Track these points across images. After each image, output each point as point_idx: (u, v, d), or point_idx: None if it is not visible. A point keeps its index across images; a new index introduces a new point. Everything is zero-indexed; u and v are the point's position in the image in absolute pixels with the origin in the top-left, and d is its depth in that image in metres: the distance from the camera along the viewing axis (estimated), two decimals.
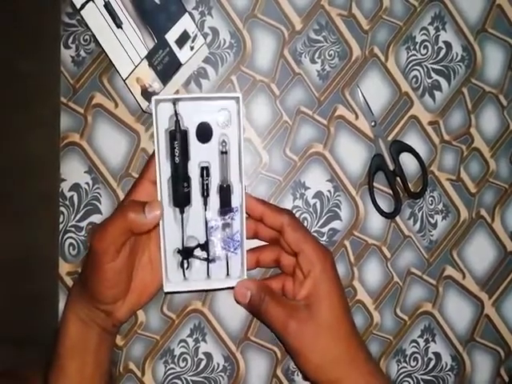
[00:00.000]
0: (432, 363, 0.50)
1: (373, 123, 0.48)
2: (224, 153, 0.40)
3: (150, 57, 0.43)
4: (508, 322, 0.50)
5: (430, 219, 0.49)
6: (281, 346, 0.48)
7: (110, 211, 0.47)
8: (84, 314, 0.41)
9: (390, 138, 0.48)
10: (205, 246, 0.42)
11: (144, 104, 0.44)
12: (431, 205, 0.49)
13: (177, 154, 0.39)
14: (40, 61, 0.46)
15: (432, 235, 0.49)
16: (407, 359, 0.49)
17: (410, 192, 0.48)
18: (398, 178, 0.48)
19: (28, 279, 0.44)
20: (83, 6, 0.43)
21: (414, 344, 0.49)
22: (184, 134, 0.40)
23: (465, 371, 0.50)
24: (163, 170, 0.39)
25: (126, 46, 0.43)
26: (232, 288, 0.41)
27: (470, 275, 0.50)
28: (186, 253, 0.41)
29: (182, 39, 0.44)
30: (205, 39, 0.45)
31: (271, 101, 0.48)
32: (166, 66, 0.44)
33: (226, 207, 0.41)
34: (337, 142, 0.48)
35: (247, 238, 0.42)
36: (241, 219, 0.41)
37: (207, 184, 0.40)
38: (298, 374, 0.48)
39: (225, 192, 0.41)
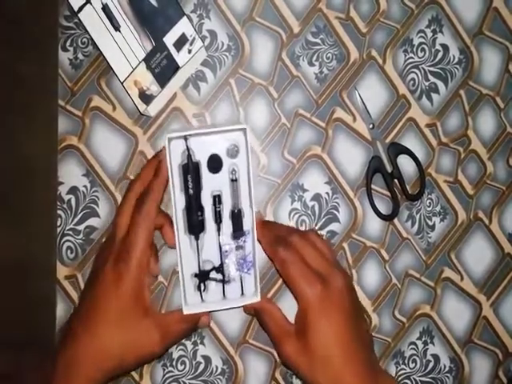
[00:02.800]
0: (430, 365, 0.50)
1: (371, 125, 0.48)
2: (234, 180, 0.43)
3: (147, 59, 0.43)
4: (506, 323, 0.50)
5: (428, 221, 0.49)
6: None
7: (108, 214, 0.47)
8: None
9: (387, 141, 0.49)
10: (220, 269, 0.44)
11: (142, 107, 0.44)
12: (429, 207, 0.49)
13: (190, 187, 0.42)
14: (38, 63, 0.46)
15: (430, 237, 0.49)
16: (406, 361, 0.49)
17: (407, 194, 0.48)
18: (396, 180, 0.48)
19: (25, 283, 0.43)
20: (81, 8, 0.43)
21: (413, 346, 0.49)
22: (196, 167, 0.43)
23: (463, 373, 0.50)
24: (178, 201, 0.43)
25: (124, 49, 0.43)
26: None
27: (467, 277, 0.50)
28: (202, 276, 0.44)
29: (180, 42, 0.44)
30: (203, 42, 0.44)
31: (269, 103, 0.48)
32: (163, 68, 0.44)
33: (238, 231, 0.44)
34: (335, 145, 0.48)
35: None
36: (252, 241, 0.43)
37: (219, 211, 0.43)
38: (296, 377, 0.48)
39: (236, 217, 0.43)
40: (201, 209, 0.43)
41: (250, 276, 0.44)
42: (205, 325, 0.45)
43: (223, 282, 0.44)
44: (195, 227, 0.43)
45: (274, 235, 0.43)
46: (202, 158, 0.43)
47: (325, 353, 0.39)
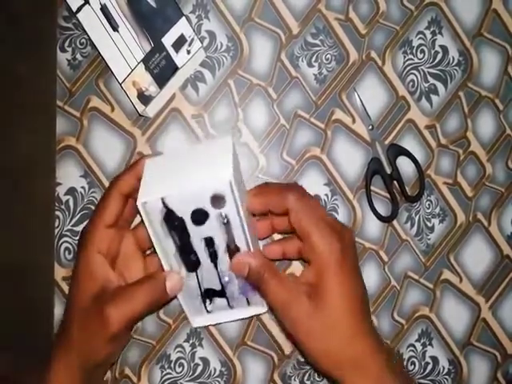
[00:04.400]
0: (429, 367, 0.50)
1: (370, 127, 0.48)
2: (226, 224, 0.38)
3: (146, 60, 0.43)
4: (505, 325, 0.50)
5: (427, 223, 0.49)
6: (278, 350, 0.48)
7: None
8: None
9: (387, 142, 0.48)
10: (223, 294, 0.42)
11: (140, 108, 0.44)
12: (428, 208, 0.49)
13: (176, 240, 0.39)
14: (36, 64, 0.46)
15: (429, 239, 0.49)
16: (405, 363, 0.49)
17: (407, 196, 0.48)
18: (395, 182, 0.48)
19: (23, 284, 0.43)
20: (79, 9, 0.43)
21: (412, 348, 0.49)
22: (181, 222, 0.38)
23: (462, 375, 0.50)
24: (168, 249, 0.39)
25: (123, 50, 0.43)
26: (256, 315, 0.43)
27: (466, 279, 0.50)
28: (206, 294, 0.42)
29: (179, 43, 0.43)
30: (202, 43, 0.44)
31: (268, 104, 0.48)
32: (162, 69, 0.43)
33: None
34: (334, 146, 0.48)
35: (263, 238, 0.43)
36: None
37: (214, 251, 0.40)
38: (295, 379, 0.48)
39: (233, 252, 0.40)
40: (192, 251, 0.40)
41: (255, 295, 0.42)
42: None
43: (228, 303, 0.43)
44: (191, 266, 0.41)
45: (274, 190, 0.40)
46: (184, 214, 0.38)
47: (339, 315, 0.36)
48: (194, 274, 0.41)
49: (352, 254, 0.38)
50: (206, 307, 0.43)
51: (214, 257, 0.40)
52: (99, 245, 0.39)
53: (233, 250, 0.40)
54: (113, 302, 0.37)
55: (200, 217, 0.38)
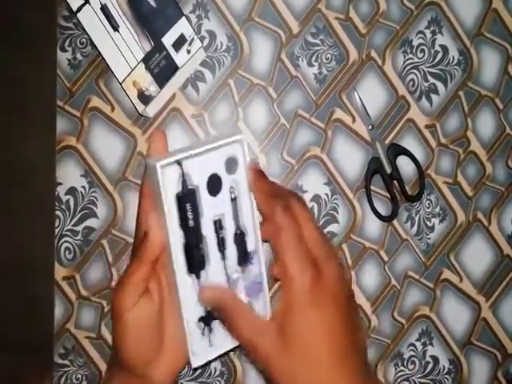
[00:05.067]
0: (430, 366, 0.50)
1: (370, 126, 0.48)
2: (234, 199, 0.38)
3: (146, 60, 0.43)
4: (505, 324, 0.50)
5: (427, 222, 0.49)
6: None
7: (107, 215, 0.47)
8: None
9: (387, 142, 0.48)
10: None
11: (140, 107, 0.44)
12: (428, 208, 0.49)
13: (191, 217, 0.36)
14: (36, 64, 0.46)
15: (429, 238, 0.49)
16: (405, 363, 0.49)
17: (407, 195, 0.48)
18: (395, 182, 0.48)
19: (23, 283, 0.43)
20: (80, 8, 0.43)
21: (412, 347, 0.49)
22: (193, 194, 0.36)
23: (462, 374, 0.50)
24: (177, 238, 0.36)
25: (123, 49, 0.43)
26: None
27: (467, 278, 0.50)
28: (208, 318, 0.38)
29: (179, 42, 0.43)
30: (202, 43, 0.44)
31: (268, 104, 0.48)
32: (162, 69, 0.43)
33: (243, 254, 0.39)
34: (334, 146, 0.48)
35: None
36: (259, 261, 0.39)
37: (222, 237, 0.38)
38: None
39: (240, 239, 0.38)
40: (201, 240, 0.37)
41: (259, 298, 0.39)
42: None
43: None
44: (196, 264, 0.37)
45: (270, 191, 0.37)
46: (200, 181, 0.37)
47: (311, 353, 0.32)
48: (196, 282, 0.37)
49: (332, 288, 0.34)
50: (209, 338, 0.38)
51: (222, 245, 0.38)
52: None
53: (239, 237, 0.38)
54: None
55: (215, 185, 0.37)
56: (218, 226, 0.38)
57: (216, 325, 0.38)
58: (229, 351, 0.39)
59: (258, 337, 0.34)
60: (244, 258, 0.39)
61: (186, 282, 0.37)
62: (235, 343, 0.39)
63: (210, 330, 0.38)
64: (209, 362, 0.38)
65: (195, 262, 0.37)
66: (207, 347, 0.38)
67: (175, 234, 0.36)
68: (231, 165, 0.38)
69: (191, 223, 0.36)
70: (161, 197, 0.35)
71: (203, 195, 0.37)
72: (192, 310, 0.37)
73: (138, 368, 0.38)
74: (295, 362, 0.33)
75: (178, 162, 0.36)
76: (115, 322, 0.38)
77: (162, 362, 0.39)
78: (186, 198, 0.36)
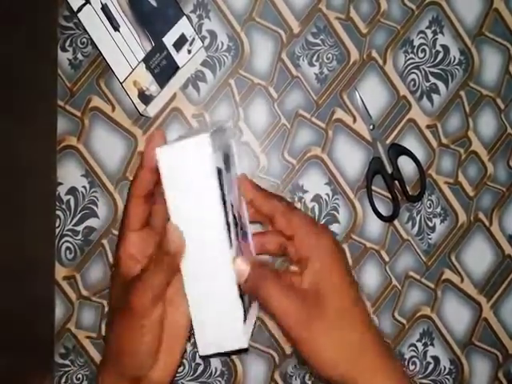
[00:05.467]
0: (431, 367, 0.50)
1: (371, 126, 0.48)
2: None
3: (147, 60, 0.43)
4: (506, 325, 0.50)
5: (429, 222, 0.49)
6: (279, 350, 0.48)
7: (107, 215, 0.47)
8: None
9: (388, 142, 0.48)
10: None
11: (141, 107, 0.44)
12: (429, 208, 0.49)
13: (226, 193, 0.35)
14: (37, 64, 0.46)
15: (430, 239, 0.49)
16: (406, 363, 0.49)
17: (408, 195, 0.48)
18: (397, 182, 0.48)
19: (24, 283, 0.43)
20: (80, 8, 0.43)
21: (413, 348, 0.49)
22: (221, 171, 0.35)
23: (463, 375, 0.50)
24: (222, 215, 0.34)
25: (124, 49, 0.43)
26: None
27: (468, 279, 0.50)
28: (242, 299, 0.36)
29: (180, 42, 0.43)
30: (202, 42, 0.44)
31: (269, 104, 0.48)
32: (163, 69, 0.43)
33: (243, 233, 0.39)
34: (335, 146, 0.48)
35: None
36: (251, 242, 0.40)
37: (234, 215, 0.37)
38: (296, 378, 0.48)
39: (238, 219, 0.38)
40: (228, 219, 0.36)
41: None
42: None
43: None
44: (231, 241, 0.35)
45: (265, 191, 0.39)
46: (220, 157, 0.36)
47: (347, 310, 0.35)
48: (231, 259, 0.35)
49: (342, 251, 0.37)
50: (244, 312, 0.36)
51: (237, 223, 0.37)
52: (130, 250, 0.37)
53: (237, 218, 0.38)
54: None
55: (228, 160, 0.38)
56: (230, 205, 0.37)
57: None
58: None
59: (292, 308, 0.34)
60: (244, 236, 0.39)
61: (231, 259, 0.35)
62: (253, 321, 0.38)
63: (245, 311, 0.36)
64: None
65: (231, 239, 0.35)
66: (244, 326, 0.36)
67: (220, 211, 0.34)
68: (230, 151, 0.39)
69: (226, 199, 0.35)
70: (206, 175, 0.33)
71: (223, 172, 0.36)
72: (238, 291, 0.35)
73: (140, 371, 0.37)
74: (331, 321, 0.35)
75: (211, 139, 0.33)
76: (130, 326, 0.35)
77: (162, 361, 0.38)
78: (219, 174, 0.35)
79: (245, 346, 0.36)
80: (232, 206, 0.37)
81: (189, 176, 0.34)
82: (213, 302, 0.36)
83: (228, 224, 0.35)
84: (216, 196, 0.34)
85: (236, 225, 0.37)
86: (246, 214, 0.40)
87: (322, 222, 0.48)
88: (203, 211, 0.34)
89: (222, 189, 0.34)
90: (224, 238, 0.34)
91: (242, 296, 0.36)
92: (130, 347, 0.36)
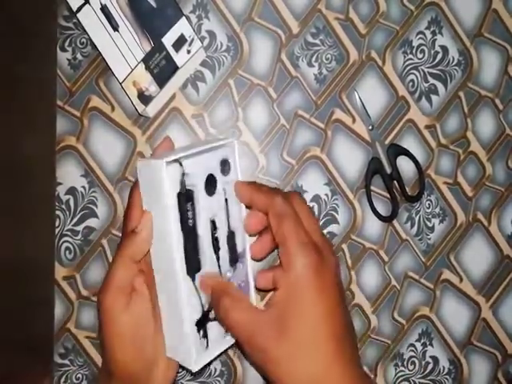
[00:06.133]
0: (430, 367, 0.50)
1: (370, 127, 0.48)
2: (226, 200, 0.39)
3: (146, 60, 0.43)
4: (505, 325, 0.50)
5: (427, 223, 0.49)
6: None
7: (107, 215, 0.47)
8: None
9: (387, 142, 0.48)
10: None
11: (140, 107, 0.44)
12: (428, 208, 0.49)
13: (190, 217, 0.37)
14: (36, 63, 0.46)
15: (429, 239, 0.49)
16: (405, 363, 0.49)
17: (407, 195, 0.48)
18: (395, 182, 0.48)
19: (23, 283, 0.43)
20: (80, 8, 0.43)
21: (412, 348, 0.49)
22: (192, 194, 0.37)
23: (462, 375, 0.50)
24: (178, 239, 0.36)
25: (123, 49, 0.43)
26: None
27: (467, 279, 0.50)
28: (204, 320, 0.38)
29: (179, 43, 0.43)
30: (202, 43, 0.44)
31: (268, 104, 0.48)
32: (162, 69, 0.43)
33: (234, 254, 0.39)
34: (334, 146, 0.48)
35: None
36: (246, 260, 0.40)
37: (217, 238, 0.38)
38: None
39: (231, 239, 0.39)
40: (197, 242, 0.37)
41: (248, 295, 0.40)
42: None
43: None
44: (194, 265, 0.37)
45: (266, 188, 0.38)
46: (198, 180, 0.37)
47: (310, 337, 0.32)
48: (193, 284, 0.37)
49: (333, 273, 0.34)
50: (207, 342, 0.38)
51: (217, 246, 0.38)
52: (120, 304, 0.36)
53: (231, 237, 0.39)
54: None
55: (211, 185, 0.38)
56: (213, 226, 0.38)
57: (212, 326, 0.38)
58: (225, 350, 0.39)
59: (254, 326, 0.33)
60: (235, 258, 0.39)
61: (186, 285, 0.36)
62: (231, 342, 0.39)
63: (206, 334, 0.38)
64: (207, 365, 0.38)
65: (193, 264, 0.37)
66: (204, 350, 0.38)
67: (176, 235, 0.36)
68: (225, 167, 0.39)
69: (190, 223, 0.37)
70: (163, 196, 0.35)
71: (201, 195, 0.37)
72: (191, 314, 0.37)
73: (138, 377, 0.36)
74: (293, 349, 0.32)
75: (179, 162, 0.36)
76: (105, 328, 0.35)
77: (161, 364, 0.37)
78: (187, 197, 0.36)
79: (193, 369, 0.36)
80: (213, 224, 0.38)
81: (153, 193, 0.36)
82: (171, 317, 0.37)
83: (194, 248, 0.37)
84: (170, 218, 0.35)
85: (215, 245, 0.38)
86: (246, 237, 0.40)
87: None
88: (162, 229, 0.36)
89: (184, 211, 0.36)
90: (177, 261, 0.36)
91: (203, 321, 0.37)
92: (113, 352, 0.35)
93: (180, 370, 0.47)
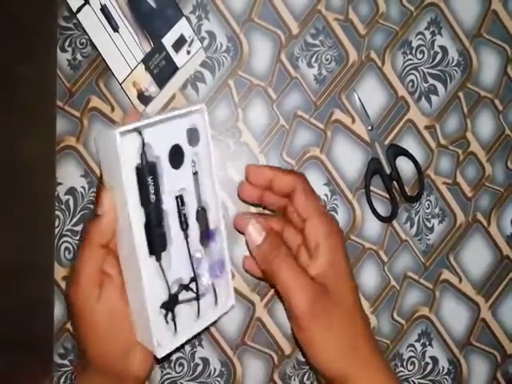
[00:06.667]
0: (429, 367, 0.50)
1: (369, 127, 0.48)
2: (195, 173, 0.36)
3: (146, 60, 0.43)
4: (504, 325, 0.50)
5: (427, 223, 0.49)
6: (278, 350, 0.48)
7: None
8: None
9: (386, 142, 0.49)
10: (189, 285, 0.36)
11: (140, 108, 0.44)
12: (428, 209, 0.49)
13: (152, 192, 0.33)
14: (36, 64, 0.46)
15: (429, 239, 0.49)
16: (404, 363, 0.49)
17: (406, 196, 0.48)
18: (395, 182, 0.48)
19: (23, 283, 0.43)
20: (80, 9, 0.43)
21: (411, 348, 0.49)
22: (154, 167, 0.34)
23: (461, 375, 0.50)
24: (138, 216, 0.33)
25: (123, 50, 0.43)
26: (225, 314, 0.39)
27: (466, 279, 0.50)
28: (171, 303, 0.35)
29: (179, 43, 0.44)
30: (201, 43, 0.44)
31: (268, 105, 0.48)
32: (162, 69, 0.44)
33: (206, 232, 0.37)
34: (333, 146, 0.48)
35: (251, 204, 0.40)
36: (220, 237, 0.38)
37: (184, 214, 0.35)
38: (295, 379, 0.48)
39: (202, 216, 0.36)
40: (161, 218, 0.34)
41: (222, 278, 0.38)
42: None
43: (197, 298, 0.36)
44: (158, 244, 0.34)
45: (285, 170, 0.40)
46: (161, 152, 0.34)
47: (353, 301, 0.37)
48: (158, 264, 0.34)
49: (344, 250, 0.38)
50: (175, 325, 0.35)
51: (185, 223, 0.35)
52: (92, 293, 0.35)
53: (202, 214, 0.36)
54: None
55: (177, 157, 0.35)
56: (180, 201, 0.35)
57: (180, 309, 0.35)
58: (197, 335, 0.37)
59: (304, 292, 0.34)
60: (206, 235, 0.37)
61: (148, 265, 0.34)
62: (202, 327, 0.37)
63: (174, 316, 0.35)
64: (174, 351, 0.35)
65: (157, 242, 0.34)
66: (172, 335, 0.35)
67: (135, 211, 0.33)
68: (193, 136, 0.36)
69: (152, 198, 0.33)
70: (119, 169, 0.32)
71: (165, 168, 0.34)
72: (155, 296, 0.34)
73: (115, 365, 0.35)
74: (337, 322, 0.35)
75: (138, 131, 0.33)
76: (79, 320, 0.35)
77: (138, 350, 0.36)
78: (147, 171, 0.33)
79: (157, 354, 0.34)
80: (180, 200, 0.35)
81: (111, 168, 0.33)
82: (135, 300, 0.35)
83: (158, 225, 0.34)
84: (127, 194, 0.32)
85: (183, 222, 0.35)
86: (220, 214, 0.38)
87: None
88: (122, 206, 0.33)
89: (144, 186, 0.33)
90: (136, 240, 0.33)
91: (171, 303, 0.35)
92: (88, 344, 0.35)
93: (179, 370, 0.47)
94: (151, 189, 0.33)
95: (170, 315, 0.35)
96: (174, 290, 0.35)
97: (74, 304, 0.35)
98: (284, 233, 0.40)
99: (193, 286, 0.36)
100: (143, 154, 0.33)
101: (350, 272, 0.37)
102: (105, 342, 0.35)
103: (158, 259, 0.34)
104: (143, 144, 0.33)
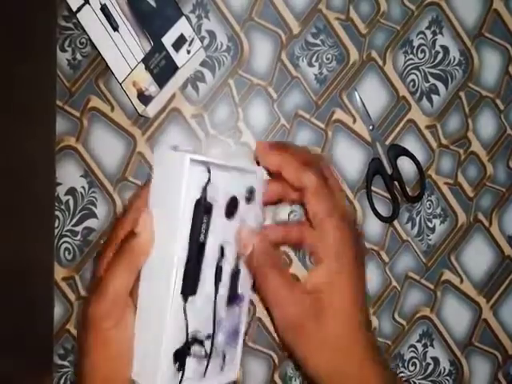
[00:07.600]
0: (430, 368, 0.49)
1: (370, 127, 0.48)
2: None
3: (146, 60, 0.43)
4: (506, 326, 0.50)
5: (428, 223, 0.49)
6: (278, 351, 0.48)
7: (106, 215, 0.47)
8: None
9: (387, 142, 0.48)
10: (205, 341, 0.34)
11: (140, 107, 0.44)
12: (429, 209, 0.49)
13: (203, 231, 0.32)
14: (36, 64, 0.45)
15: (430, 239, 0.49)
16: (405, 364, 0.49)
17: (407, 196, 0.48)
18: (396, 182, 0.48)
19: (22, 284, 0.43)
20: (79, 8, 0.43)
21: (413, 349, 0.49)
22: (211, 208, 0.33)
23: (463, 376, 0.50)
24: (182, 249, 0.32)
25: (123, 50, 0.43)
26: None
27: (467, 279, 0.50)
28: (184, 353, 0.33)
29: (179, 42, 0.43)
30: (202, 43, 0.44)
31: (269, 104, 0.47)
32: (162, 69, 0.43)
33: (233, 295, 0.36)
34: (334, 146, 0.48)
35: (271, 203, 0.38)
36: (243, 307, 0.36)
37: (221, 267, 0.34)
38: (295, 380, 0.48)
39: (235, 278, 0.35)
40: (202, 261, 0.33)
41: (233, 348, 0.36)
42: None
43: (209, 357, 0.34)
44: (191, 285, 0.32)
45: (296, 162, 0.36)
46: (220, 197, 0.33)
47: (340, 326, 0.33)
48: (183, 306, 0.32)
49: (359, 270, 0.36)
50: (182, 375, 0.33)
51: (219, 276, 0.34)
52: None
53: (235, 274, 0.35)
54: None
55: (231, 208, 0.34)
56: (221, 252, 0.34)
57: (189, 363, 0.33)
58: None
59: (290, 307, 0.33)
60: (233, 298, 0.35)
61: (175, 303, 0.32)
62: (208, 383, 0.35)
63: (183, 369, 0.33)
64: None
65: (191, 283, 0.32)
66: None
67: (182, 243, 0.32)
68: (251, 195, 0.35)
69: (202, 237, 0.32)
70: (179, 195, 0.31)
71: (218, 214, 0.33)
72: (171, 339, 0.32)
73: None
74: (328, 345, 0.32)
75: (208, 167, 0.32)
76: (95, 341, 0.32)
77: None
78: (205, 209, 0.32)
79: None
80: (221, 251, 0.34)
81: (166, 190, 0.32)
82: (146, 338, 0.33)
83: (197, 268, 0.32)
84: (179, 223, 0.31)
85: (218, 274, 0.34)
86: (248, 283, 0.37)
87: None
88: (167, 234, 0.32)
89: (198, 221, 0.32)
90: (174, 274, 0.31)
91: (183, 353, 0.33)
92: (96, 362, 0.33)
93: None
94: (204, 227, 0.32)
95: (177, 365, 0.33)
96: (190, 337, 0.33)
97: (91, 324, 0.32)
98: (304, 236, 0.37)
99: (207, 343, 0.34)
100: (206, 191, 0.32)
101: (360, 294, 0.34)
102: (111, 370, 0.33)
103: (185, 301, 0.32)
104: (209, 181, 0.32)
